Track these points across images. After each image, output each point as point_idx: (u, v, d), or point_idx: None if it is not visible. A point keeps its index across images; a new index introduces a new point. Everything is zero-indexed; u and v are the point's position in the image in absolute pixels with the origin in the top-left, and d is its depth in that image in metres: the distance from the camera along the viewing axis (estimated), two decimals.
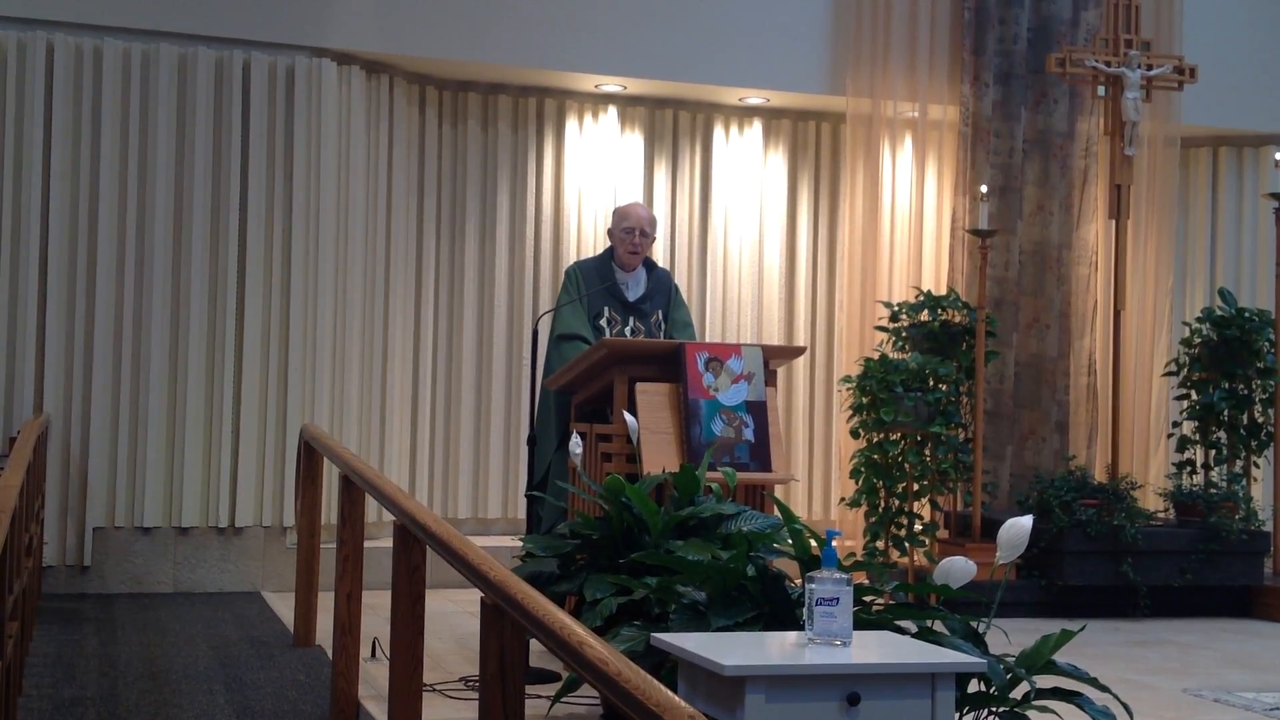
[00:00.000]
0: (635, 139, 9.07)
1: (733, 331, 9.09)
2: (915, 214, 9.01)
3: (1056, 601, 7.66)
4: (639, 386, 5.52)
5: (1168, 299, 9.30)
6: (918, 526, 7.81)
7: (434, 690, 5.04)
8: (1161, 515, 8.31)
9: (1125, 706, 3.52)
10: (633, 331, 6.35)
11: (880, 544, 7.77)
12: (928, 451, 7.82)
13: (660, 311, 6.47)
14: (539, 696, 4.70)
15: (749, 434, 5.53)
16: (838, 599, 3.15)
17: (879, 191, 8.89)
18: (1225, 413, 8.32)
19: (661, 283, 6.55)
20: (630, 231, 6.37)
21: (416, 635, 3.89)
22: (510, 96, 8.85)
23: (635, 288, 6.44)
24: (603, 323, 6.33)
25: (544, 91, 8.88)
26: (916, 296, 8.27)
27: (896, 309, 8.23)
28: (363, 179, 8.23)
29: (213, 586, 7.66)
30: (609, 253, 6.52)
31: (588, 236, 8.90)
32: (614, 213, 6.60)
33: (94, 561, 7.50)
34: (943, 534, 8.11)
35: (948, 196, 9.02)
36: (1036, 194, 8.84)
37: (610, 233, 6.53)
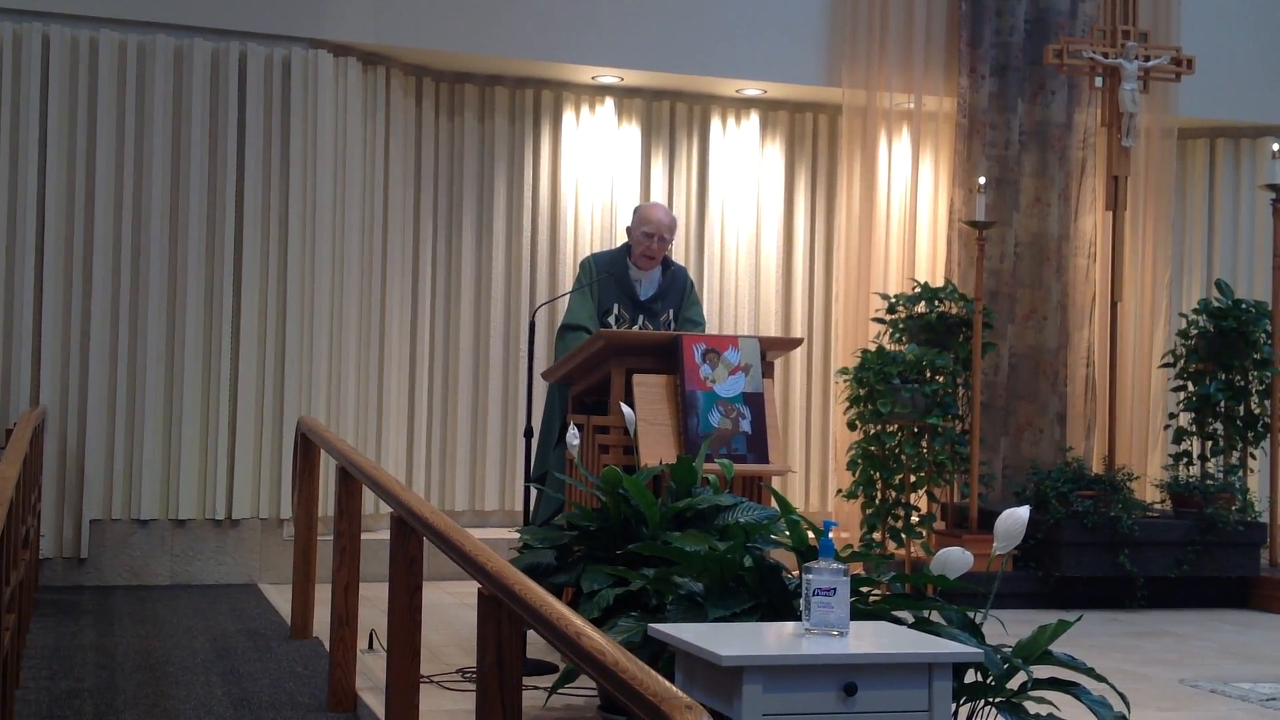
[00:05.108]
0: (632, 131, 9.05)
1: (730, 323, 9.09)
2: (912, 206, 9.01)
3: (1053, 592, 7.66)
4: (636, 378, 5.51)
5: (1165, 291, 9.30)
6: (915, 518, 7.81)
7: (431, 682, 5.04)
8: (1158, 506, 8.32)
9: (1122, 696, 3.52)
10: (640, 329, 6.32)
11: (877, 535, 7.78)
12: (925, 443, 7.82)
13: (672, 310, 6.40)
14: (536, 688, 4.70)
15: (746, 425, 5.53)
16: (835, 589, 3.15)
17: (875, 183, 8.89)
18: (1222, 404, 8.31)
19: (676, 281, 6.47)
20: (649, 236, 6.26)
21: (414, 627, 3.89)
22: (507, 88, 8.84)
23: (648, 286, 6.39)
24: (611, 319, 6.29)
25: (541, 83, 8.87)
26: (913, 288, 8.27)
27: (893, 301, 8.23)
28: (359, 171, 8.22)
29: (210, 578, 7.66)
30: (626, 248, 6.44)
31: (585, 228, 8.89)
32: (635, 211, 6.47)
33: (91, 554, 7.50)
34: (939, 525, 8.11)
35: (944, 188, 9.02)
36: (1034, 185, 8.83)
37: (629, 231, 6.41)
